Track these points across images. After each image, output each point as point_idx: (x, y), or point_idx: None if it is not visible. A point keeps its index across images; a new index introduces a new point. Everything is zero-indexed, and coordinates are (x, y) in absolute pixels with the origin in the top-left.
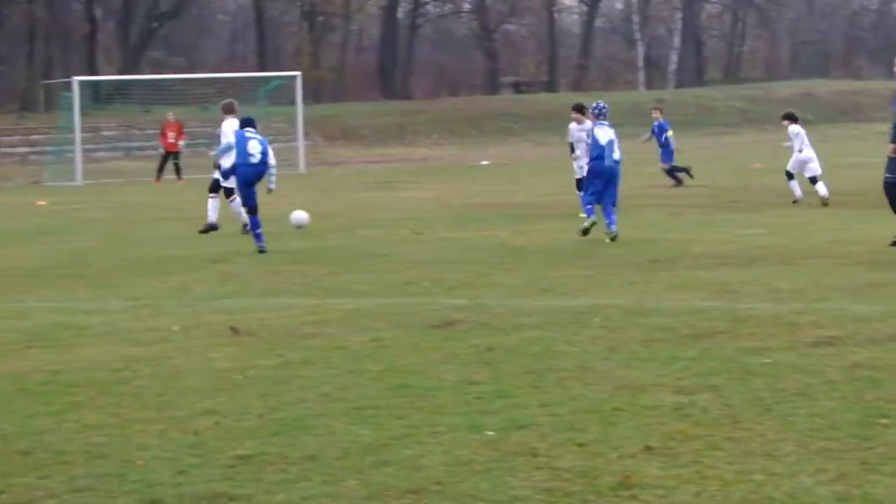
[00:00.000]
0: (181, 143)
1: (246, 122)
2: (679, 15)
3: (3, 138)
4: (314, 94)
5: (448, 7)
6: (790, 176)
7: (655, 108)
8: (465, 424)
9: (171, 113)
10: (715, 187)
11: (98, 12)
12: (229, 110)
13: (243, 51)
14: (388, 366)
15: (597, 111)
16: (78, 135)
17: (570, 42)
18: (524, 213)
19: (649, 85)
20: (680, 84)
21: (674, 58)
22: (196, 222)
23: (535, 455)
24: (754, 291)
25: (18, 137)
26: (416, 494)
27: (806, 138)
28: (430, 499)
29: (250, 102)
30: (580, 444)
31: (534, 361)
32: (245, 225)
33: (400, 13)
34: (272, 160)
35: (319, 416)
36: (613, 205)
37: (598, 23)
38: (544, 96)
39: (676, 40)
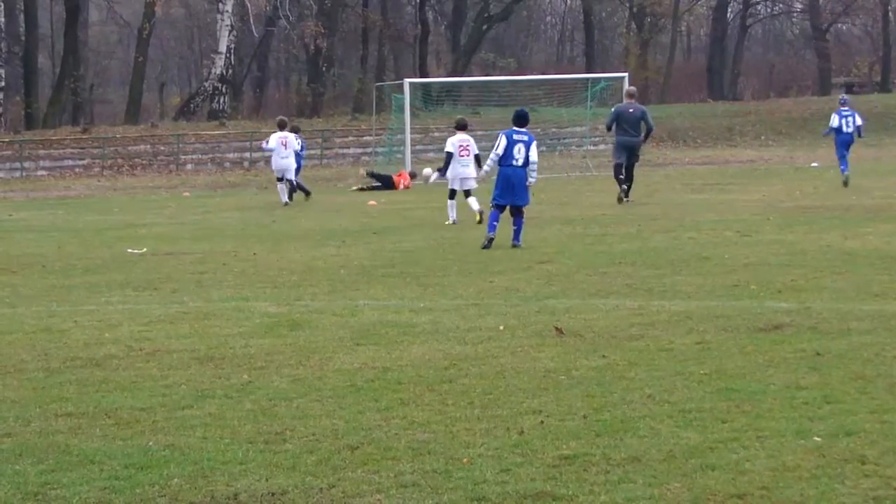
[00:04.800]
0: None
1: (519, 119)
2: None
3: (337, 139)
4: (641, 95)
5: (779, 7)
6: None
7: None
8: (792, 430)
9: None
10: None
11: (430, 15)
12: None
13: (571, 52)
14: (714, 369)
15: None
16: (408, 135)
17: None
18: (855, 216)
19: None
20: None
21: None
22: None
23: (863, 462)
24: None
25: (351, 139)
26: (740, 499)
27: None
28: None
29: (578, 104)
30: None
31: (863, 367)
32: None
33: (729, 14)
34: (535, 157)
35: (643, 417)
36: None
37: None
38: (877, 97)
39: None
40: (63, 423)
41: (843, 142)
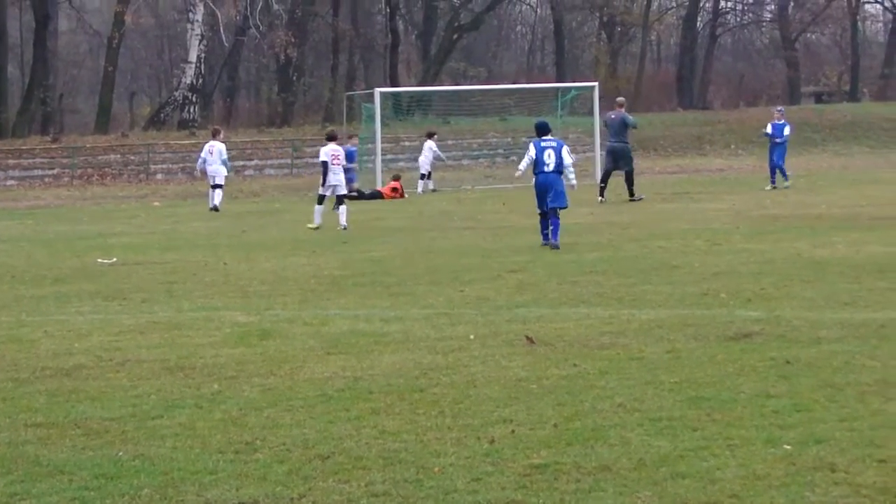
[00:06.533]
0: None
1: (541, 129)
2: None
3: (307, 149)
4: (611, 104)
5: (748, 16)
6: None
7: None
8: (762, 438)
9: None
10: None
11: (400, 25)
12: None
13: (541, 62)
14: (684, 377)
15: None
16: (378, 145)
17: (873, 51)
18: (824, 225)
19: None
20: None
21: None
22: (494, 231)
23: (833, 470)
24: None
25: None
26: None
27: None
28: None
29: (548, 113)
30: (880, 461)
31: (833, 375)
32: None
33: (699, 23)
34: (568, 160)
35: (614, 426)
36: None
37: None
38: (846, 106)
39: None
40: (32, 433)
41: None
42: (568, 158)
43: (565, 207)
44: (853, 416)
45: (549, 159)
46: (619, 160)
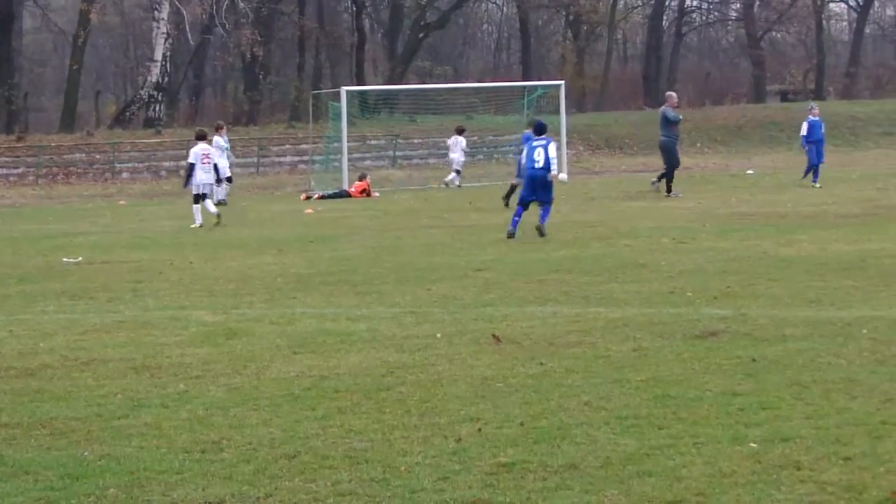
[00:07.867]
0: None
1: (537, 129)
2: None
3: (274, 147)
4: (577, 102)
5: (714, 15)
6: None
7: None
8: (728, 436)
9: None
10: None
11: (366, 23)
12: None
13: (508, 60)
14: (650, 375)
15: None
16: (345, 143)
17: (838, 49)
18: (790, 223)
19: None
20: None
21: None
22: (460, 229)
23: (798, 468)
24: None
25: (288, 146)
26: None
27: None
28: None
29: (515, 111)
30: (846, 458)
31: (798, 373)
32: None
33: (665, 22)
34: (553, 153)
35: (580, 424)
36: None
37: (868, 29)
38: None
39: None
40: None
41: None
42: (553, 152)
43: (552, 200)
44: (819, 414)
45: (539, 157)
46: (661, 151)
